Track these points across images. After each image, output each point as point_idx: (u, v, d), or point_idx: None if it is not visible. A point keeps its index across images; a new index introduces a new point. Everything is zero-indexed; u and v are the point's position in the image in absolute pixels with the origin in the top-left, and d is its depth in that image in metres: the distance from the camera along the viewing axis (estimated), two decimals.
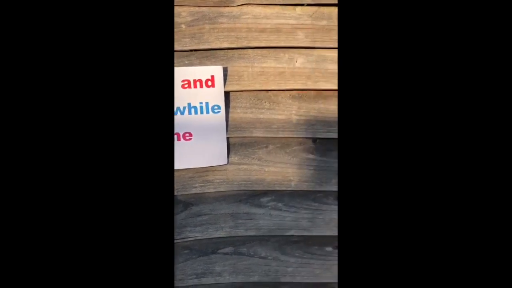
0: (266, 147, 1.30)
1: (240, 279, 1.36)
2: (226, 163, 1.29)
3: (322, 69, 1.26)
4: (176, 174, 1.27)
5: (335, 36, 1.24)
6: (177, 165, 1.25)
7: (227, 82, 1.26)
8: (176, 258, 1.33)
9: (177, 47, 1.22)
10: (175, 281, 1.32)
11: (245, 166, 1.30)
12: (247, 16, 1.23)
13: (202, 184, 1.31)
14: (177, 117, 1.24)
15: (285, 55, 1.26)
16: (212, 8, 1.23)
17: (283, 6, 1.23)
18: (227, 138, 1.28)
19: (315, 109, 1.29)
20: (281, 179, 1.32)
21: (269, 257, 1.36)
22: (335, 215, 1.34)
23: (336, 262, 1.35)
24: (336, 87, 1.27)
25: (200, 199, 1.32)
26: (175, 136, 1.25)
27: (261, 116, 1.28)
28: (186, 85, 1.23)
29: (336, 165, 1.32)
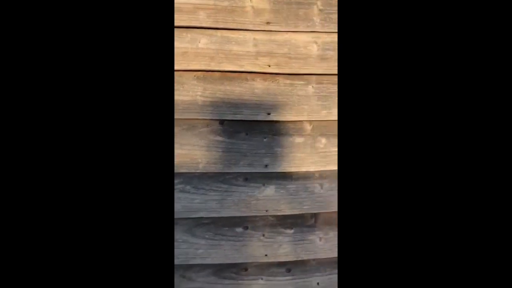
0: None
1: None
2: None
3: (226, 50, 1.27)
4: None
5: (238, 18, 1.25)
6: None
7: None
8: None
9: None
10: None
11: None
12: None
13: None
14: None
15: (188, 35, 1.25)
16: None
17: None
18: None
19: (221, 91, 1.29)
20: (189, 161, 1.31)
21: (179, 240, 1.35)
22: (244, 196, 1.36)
23: (246, 242, 1.37)
24: (241, 69, 1.27)
25: None
26: None
27: None
28: None
29: (245, 146, 1.33)
